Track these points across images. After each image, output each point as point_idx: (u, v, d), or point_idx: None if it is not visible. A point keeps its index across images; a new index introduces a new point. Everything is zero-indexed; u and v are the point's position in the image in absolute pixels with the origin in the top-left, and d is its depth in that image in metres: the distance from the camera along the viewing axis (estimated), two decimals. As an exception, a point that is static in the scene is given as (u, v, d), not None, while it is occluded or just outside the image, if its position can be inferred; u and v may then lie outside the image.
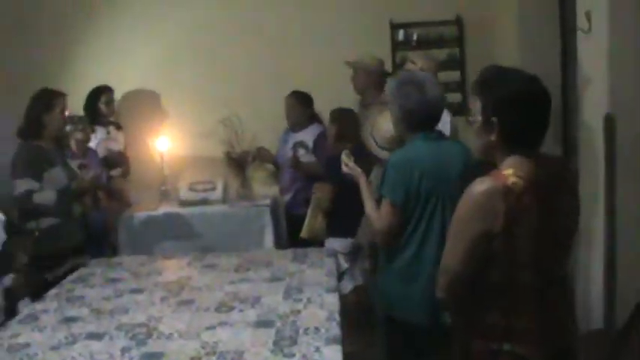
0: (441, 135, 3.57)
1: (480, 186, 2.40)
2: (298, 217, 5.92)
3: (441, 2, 6.82)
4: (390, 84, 3.72)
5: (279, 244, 6.14)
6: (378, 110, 4.55)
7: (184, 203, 6.37)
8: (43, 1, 6.86)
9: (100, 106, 6.29)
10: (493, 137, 2.46)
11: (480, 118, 2.49)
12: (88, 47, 6.91)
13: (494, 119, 2.43)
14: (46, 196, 4.56)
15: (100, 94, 6.34)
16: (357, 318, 4.78)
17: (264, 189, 6.77)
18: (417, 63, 5.03)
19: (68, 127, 5.35)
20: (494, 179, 2.40)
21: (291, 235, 6.22)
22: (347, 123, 5.51)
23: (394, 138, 3.96)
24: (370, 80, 5.90)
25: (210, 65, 6.89)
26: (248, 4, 6.89)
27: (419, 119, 3.43)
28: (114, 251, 5.85)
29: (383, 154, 4.03)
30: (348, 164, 3.86)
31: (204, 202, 6.38)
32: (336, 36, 6.80)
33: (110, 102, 6.40)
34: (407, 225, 3.35)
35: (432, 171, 3.33)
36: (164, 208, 6.35)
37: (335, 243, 5.21)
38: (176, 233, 6.09)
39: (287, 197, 6.37)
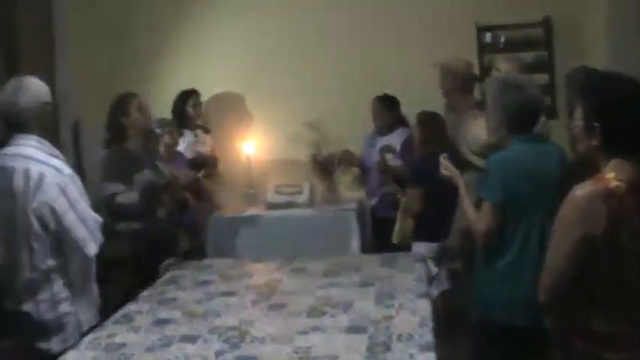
0: (539, 137, 3.54)
1: (581, 190, 2.42)
2: (385, 220, 5.90)
3: (528, 4, 6.71)
4: (490, 87, 3.69)
5: (365, 248, 6.12)
6: (472, 117, 4.51)
7: (271, 206, 6.42)
8: (135, 6, 7.00)
9: (187, 109, 6.38)
10: (594, 142, 2.46)
11: (580, 122, 2.49)
12: (177, 51, 7.06)
13: (596, 124, 2.43)
14: (129, 196, 4.62)
15: (187, 97, 6.45)
16: (446, 323, 4.73)
17: (350, 192, 6.76)
18: (501, 68, 4.96)
19: (157, 131, 5.44)
20: (596, 183, 2.40)
21: (377, 239, 6.20)
22: (433, 126, 5.47)
23: (489, 144, 3.94)
24: (458, 83, 5.82)
25: (296, 69, 6.94)
26: (335, 9, 6.91)
27: (520, 120, 3.41)
28: (201, 252, 5.90)
29: (478, 160, 4.01)
30: (447, 167, 3.83)
31: (291, 205, 6.41)
32: (422, 39, 6.76)
33: (197, 105, 6.49)
34: (507, 227, 3.32)
35: (532, 173, 3.31)
36: (251, 211, 6.40)
37: (422, 247, 5.17)
38: (262, 236, 6.14)
39: (373, 201, 6.34)
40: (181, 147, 6.14)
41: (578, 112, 2.50)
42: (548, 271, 2.53)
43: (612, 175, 2.40)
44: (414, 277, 3.92)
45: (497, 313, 3.39)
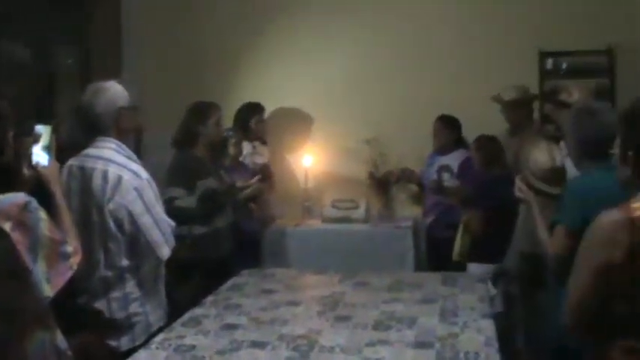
0: (614, 163, 3.56)
1: (606, 217, 2.43)
2: (439, 240, 5.95)
3: (592, 31, 6.68)
4: (566, 115, 3.75)
5: (420, 266, 6.16)
6: (533, 141, 4.54)
7: (327, 220, 6.49)
8: (203, 18, 7.14)
9: (250, 123, 6.42)
10: (629, 171, 2.49)
11: (619, 150, 2.55)
12: (246, 63, 7.17)
13: (630, 153, 2.45)
14: (187, 201, 4.70)
15: (252, 112, 6.47)
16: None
17: (406, 210, 6.83)
18: (573, 93, 5.00)
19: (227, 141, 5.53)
20: (622, 211, 2.40)
21: (431, 258, 6.24)
22: (492, 150, 5.51)
23: (552, 170, 3.98)
24: (517, 111, 5.91)
25: (359, 86, 7.00)
26: (401, 31, 6.97)
27: (595, 147, 3.44)
28: (259, 262, 5.97)
29: (540, 185, 4.03)
30: (522, 188, 3.87)
31: (347, 219, 6.48)
32: (483, 62, 6.81)
33: (261, 122, 6.53)
34: None
35: (609, 198, 3.31)
36: (307, 223, 6.47)
37: (477, 268, 5.19)
38: (317, 249, 6.19)
39: (429, 220, 6.37)
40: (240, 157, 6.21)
41: (617, 141, 2.57)
42: (570, 296, 2.51)
43: (638, 205, 2.38)
44: (477, 298, 3.95)
45: (572, 338, 3.39)
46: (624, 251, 2.33)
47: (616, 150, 2.58)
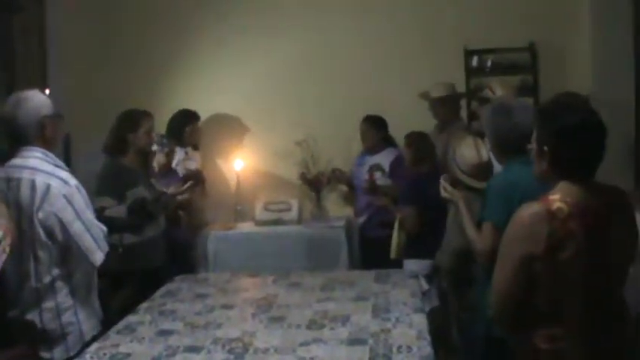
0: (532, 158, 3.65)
1: (527, 209, 2.52)
2: (373, 239, 6.01)
3: (515, 29, 6.81)
4: (483, 113, 3.84)
5: (353, 265, 6.21)
6: (459, 137, 4.63)
7: (260, 223, 6.52)
8: (130, 24, 7.10)
9: (185, 131, 6.39)
10: (544, 165, 2.58)
11: (535, 145, 2.63)
12: (176, 68, 7.15)
13: (545, 148, 2.55)
14: (117, 210, 4.66)
15: (187, 121, 6.45)
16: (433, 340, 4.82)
17: (338, 210, 6.89)
18: (495, 90, 5.10)
19: (154, 147, 5.49)
20: (541, 203, 2.49)
21: (364, 257, 6.30)
22: (422, 146, 5.57)
23: (478, 165, 4.07)
24: (445, 108, 6.00)
25: (288, 89, 7.03)
26: (325, 32, 7.01)
27: (510, 144, 3.52)
28: (192, 269, 5.95)
29: (467, 180, 4.12)
30: (447, 188, 3.94)
31: (279, 222, 6.52)
32: (410, 61, 6.89)
33: (196, 130, 6.52)
34: None
35: (532, 193, 3.38)
36: (240, 227, 6.48)
37: (413, 265, 5.25)
38: (251, 252, 6.22)
39: (361, 219, 6.41)
40: (172, 164, 6.17)
41: (534, 136, 2.63)
42: (494, 288, 2.60)
43: (557, 197, 2.48)
44: (409, 293, 4.01)
45: (499, 329, 3.47)
46: (544, 242, 2.41)
47: (533, 145, 2.64)
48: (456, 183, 4.39)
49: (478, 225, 3.54)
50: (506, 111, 3.58)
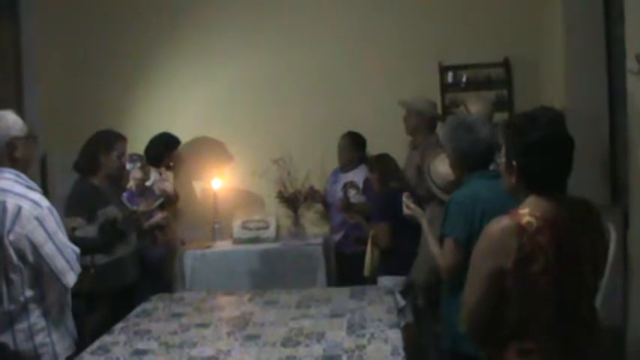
0: (497, 173, 3.67)
1: (497, 224, 2.51)
2: (348, 256, 6.05)
3: (489, 45, 6.87)
4: (443, 129, 3.88)
5: (330, 282, 6.21)
6: (435, 154, 4.65)
7: (237, 241, 6.51)
8: (106, 45, 7.07)
9: (164, 158, 6.40)
10: (513, 179, 2.59)
11: (504, 159, 2.63)
12: (150, 89, 7.16)
13: (514, 162, 2.56)
14: (87, 231, 4.63)
15: (168, 148, 6.45)
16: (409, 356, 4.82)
17: (316, 228, 6.91)
18: (470, 107, 5.13)
19: (128, 166, 5.47)
20: (510, 218, 2.49)
21: (340, 273, 6.30)
22: (385, 169, 5.56)
23: (452, 181, 4.09)
24: (422, 122, 5.97)
25: (263, 107, 7.05)
26: (300, 48, 7.04)
27: (471, 160, 3.58)
28: (168, 288, 5.92)
29: (443, 196, 4.14)
30: (409, 206, 3.98)
31: (257, 240, 6.52)
32: (386, 78, 6.91)
33: (175, 156, 6.53)
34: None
35: (493, 208, 3.40)
36: (217, 246, 6.48)
37: (388, 280, 5.26)
38: (229, 270, 6.21)
39: (337, 236, 6.43)
40: (148, 183, 6.15)
41: (502, 151, 2.65)
42: (465, 302, 2.60)
43: (526, 211, 2.48)
44: (384, 309, 4.03)
45: (465, 344, 3.48)
46: (513, 256, 2.42)
47: (502, 159, 2.65)
48: (431, 198, 4.43)
49: (440, 241, 3.57)
50: (466, 126, 3.65)
